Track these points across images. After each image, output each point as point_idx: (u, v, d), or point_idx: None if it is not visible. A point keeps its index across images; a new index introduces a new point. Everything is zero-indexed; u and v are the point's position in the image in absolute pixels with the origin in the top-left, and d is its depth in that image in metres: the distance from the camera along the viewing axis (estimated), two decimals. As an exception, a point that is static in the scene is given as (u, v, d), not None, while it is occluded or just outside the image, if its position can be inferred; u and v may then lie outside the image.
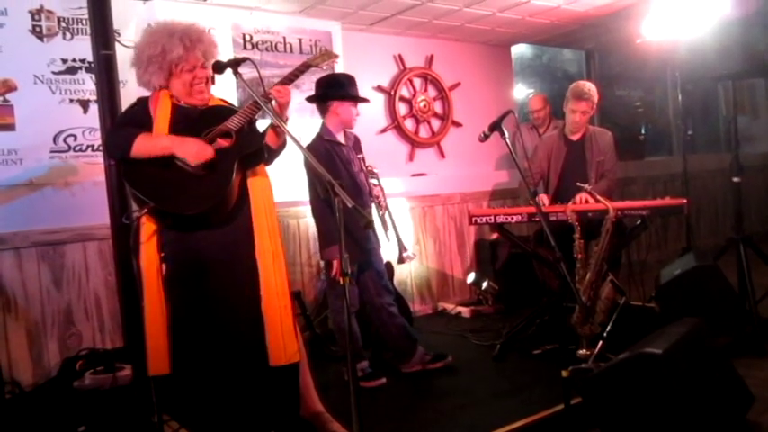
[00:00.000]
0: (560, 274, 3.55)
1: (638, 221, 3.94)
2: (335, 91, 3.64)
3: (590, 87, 4.20)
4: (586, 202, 3.86)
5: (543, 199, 4.11)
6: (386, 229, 3.94)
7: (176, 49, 2.52)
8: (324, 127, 3.67)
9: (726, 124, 8.29)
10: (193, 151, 2.44)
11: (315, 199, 3.58)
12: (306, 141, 3.52)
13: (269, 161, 2.69)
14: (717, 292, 3.79)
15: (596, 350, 3.44)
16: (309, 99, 3.74)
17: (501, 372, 3.77)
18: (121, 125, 2.62)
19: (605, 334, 3.50)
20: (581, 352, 3.53)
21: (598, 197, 3.74)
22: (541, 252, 4.13)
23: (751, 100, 7.90)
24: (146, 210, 2.42)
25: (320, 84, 3.71)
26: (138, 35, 3.92)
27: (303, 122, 3.74)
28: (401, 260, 3.99)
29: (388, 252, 3.92)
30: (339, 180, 2.31)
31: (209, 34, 2.66)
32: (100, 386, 3.49)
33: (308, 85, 3.75)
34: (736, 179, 4.29)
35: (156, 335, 2.49)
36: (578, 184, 3.88)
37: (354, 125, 3.78)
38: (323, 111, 3.68)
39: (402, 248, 3.96)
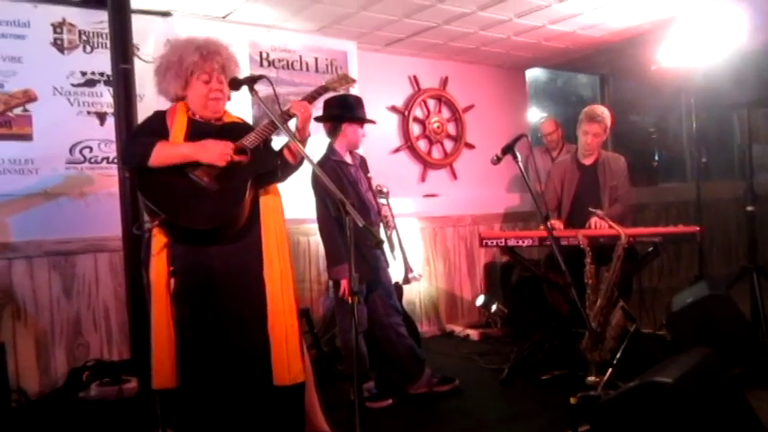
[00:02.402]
0: (570, 299, 3.53)
1: (651, 248, 3.91)
2: (346, 113, 3.67)
3: (603, 110, 4.21)
4: (601, 226, 3.84)
5: (557, 224, 4.09)
6: (392, 248, 3.94)
7: (192, 56, 2.56)
8: (331, 147, 3.69)
9: (740, 152, 8.23)
10: (216, 153, 2.45)
11: (323, 217, 3.58)
12: (315, 160, 3.53)
13: (283, 177, 2.70)
14: (729, 322, 3.74)
15: (605, 377, 3.39)
16: (318, 119, 3.75)
17: (508, 396, 3.74)
18: (138, 136, 2.64)
19: (615, 361, 3.46)
20: (590, 379, 3.48)
21: (610, 222, 3.72)
22: (552, 276, 4.11)
23: (766, 128, 7.85)
24: (157, 221, 2.43)
25: (330, 105, 3.73)
26: (158, 50, 4.02)
27: (318, 140, 3.76)
28: (406, 281, 3.98)
29: (394, 272, 3.91)
30: (348, 199, 2.32)
31: (229, 49, 2.69)
32: (105, 398, 3.49)
33: (321, 102, 3.78)
34: (750, 208, 4.26)
35: (163, 348, 2.49)
36: (590, 209, 3.87)
37: (360, 146, 3.81)
38: (331, 131, 3.71)
39: (408, 269, 3.96)
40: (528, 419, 3.33)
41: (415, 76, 5.62)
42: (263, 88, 2.61)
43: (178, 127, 2.56)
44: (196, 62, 2.56)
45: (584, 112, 4.25)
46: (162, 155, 2.44)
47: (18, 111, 3.54)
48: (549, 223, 3.98)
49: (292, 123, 2.63)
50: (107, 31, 3.43)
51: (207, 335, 2.52)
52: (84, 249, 3.88)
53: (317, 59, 4.87)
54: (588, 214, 3.91)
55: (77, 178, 3.88)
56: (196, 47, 2.58)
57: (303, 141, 2.62)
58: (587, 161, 4.31)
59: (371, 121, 3.82)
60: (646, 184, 7.31)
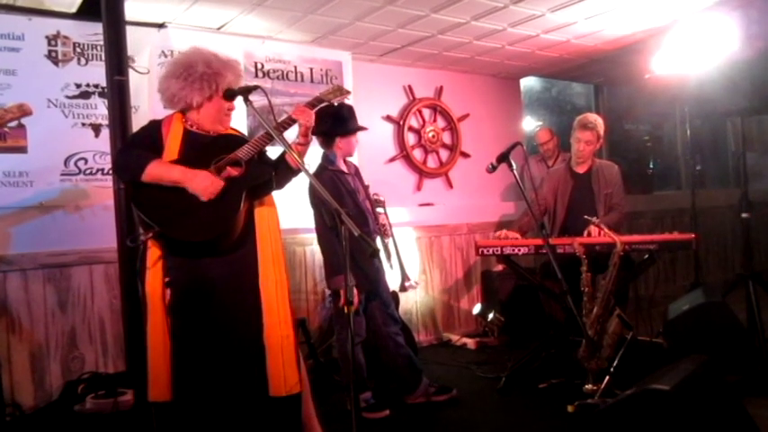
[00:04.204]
0: (567, 308, 3.53)
1: (646, 256, 3.92)
2: (339, 127, 3.66)
3: (595, 118, 4.24)
4: (598, 234, 3.84)
5: (512, 234, 4.10)
6: (389, 257, 3.94)
7: (230, 75, 2.60)
8: (327, 157, 3.70)
9: (735, 160, 8.28)
10: (203, 186, 2.44)
11: (321, 227, 3.58)
12: (311, 169, 3.53)
13: (283, 184, 2.69)
14: (725, 329, 3.74)
15: (603, 385, 3.39)
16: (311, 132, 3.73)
17: (506, 405, 3.72)
18: (132, 146, 2.64)
19: (612, 369, 3.46)
20: (587, 387, 3.48)
21: (606, 230, 3.73)
22: (548, 284, 4.11)
23: (760, 136, 7.90)
24: (151, 234, 2.42)
25: (322, 118, 3.70)
26: (152, 61, 4.03)
27: (313, 150, 3.77)
28: (403, 288, 3.98)
29: (391, 280, 3.91)
30: (345, 209, 2.32)
31: None
32: (101, 410, 3.47)
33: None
34: (745, 215, 4.28)
35: (158, 361, 2.48)
36: (586, 217, 3.87)
37: (355, 153, 3.84)
38: (326, 144, 3.71)
39: (405, 277, 3.95)
40: (526, 428, 3.31)
41: (409, 86, 5.64)
42: (257, 99, 2.62)
43: (173, 137, 2.57)
44: (231, 81, 2.60)
45: (577, 119, 4.28)
46: (153, 174, 2.45)
47: (12, 124, 3.53)
48: (505, 231, 4.02)
49: (293, 131, 2.63)
50: (102, 43, 3.42)
51: (202, 347, 2.51)
52: (79, 261, 3.86)
53: (311, 70, 4.88)
54: (583, 222, 3.91)
55: (72, 191, 3.87)
56: (232, 67, 2.63)
57: (306, 145, 2.64)
58: (581, 169, 4.32)
59: (363, 128, 3.81)
60: (641, 192, 7.32)
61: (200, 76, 2.56)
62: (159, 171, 2.46)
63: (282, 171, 2.65)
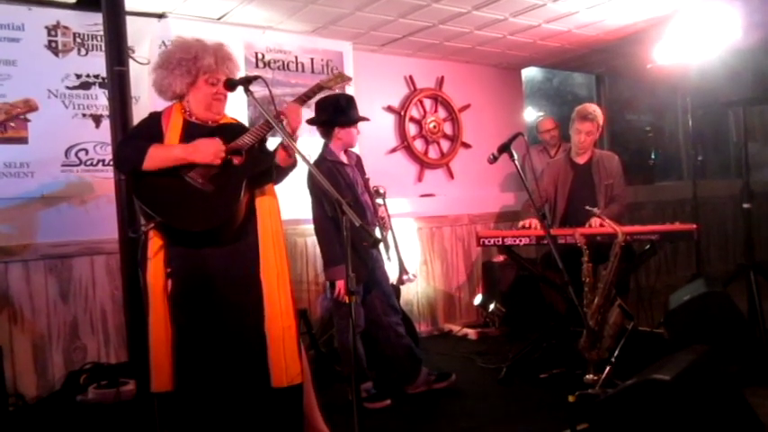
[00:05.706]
0: (568, 298, 3.53)
1: (648, 246, 3.91)
2: (338, 117, 3.64)
3: (594, 108, 4.23)
4: (600, 226, 3.84)
5: (534, 222, 4.07)
6: (388, 249, 3.93)
7: (208, 58, 2.58)
8: (326, 147, 3.68)
9: (736, 150, 8.25)
10: (210, 152, 2.45)
11: (319, 217, 3.58)
12: (312, 160, 3.52)
13: (277, 181, 2.70)
14: (726, 320, 3.74)
15: (604, 375, 3.40)
16: (310, 122, 3.72)
17: (507, 395, 3.73)
18: (132, 138, 2.63)
19: (613, 359, 3.46)
20: (588, 377, 3.48)
21: (607, 221, 3.73)
22: (549, 275, 4.11)
23: (762, 126, 7.88)
24: (152, 224, 2.42)
25: (322, 108, 3.69)
26: (153, 51, 4.01)
27: (313, 141, 3.77)
28: (401, 282, 3.97)
29: (389, 273, 3.91)
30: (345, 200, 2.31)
31: (235, 58, 2.73)
32: (103, 400, 3.48)
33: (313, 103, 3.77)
34: (746, 205, 4.28)
35: (160, 351, 2.48)
36: (587, 207, 3.87)
37: (356, 144, 3.81)
38: (325, 134, 3.70)
39: (403, 270, 3.95)
40: (527, 418, 3.33)
41: (410, 76, 5.62)
42: (258, 89, 2.61)
43: (173, 128, 2.56)
44: (210, 64, 2.58)
45: (577, 110, 4.27)
46: (155, 158, 2.43)
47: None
48: (525, 223, 4.01)
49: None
50: (102, 33, 3.41)
51: (204, 337, 2.51)
52: (81, 252, 3.87)
53: (312, 60, 4.86)
54: (585, 213, 3.90)
55: (73, 182, 3.86)
56: (212, 50, 2.60)
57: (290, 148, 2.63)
58: (581, 160, 4.31)
59: (364, 119, 3.80)
60: (642, 182, 7.32)
61: (178, 62, 2.56)
62: (160, 154, 2.45)
63: (277, 168, 2.65)
